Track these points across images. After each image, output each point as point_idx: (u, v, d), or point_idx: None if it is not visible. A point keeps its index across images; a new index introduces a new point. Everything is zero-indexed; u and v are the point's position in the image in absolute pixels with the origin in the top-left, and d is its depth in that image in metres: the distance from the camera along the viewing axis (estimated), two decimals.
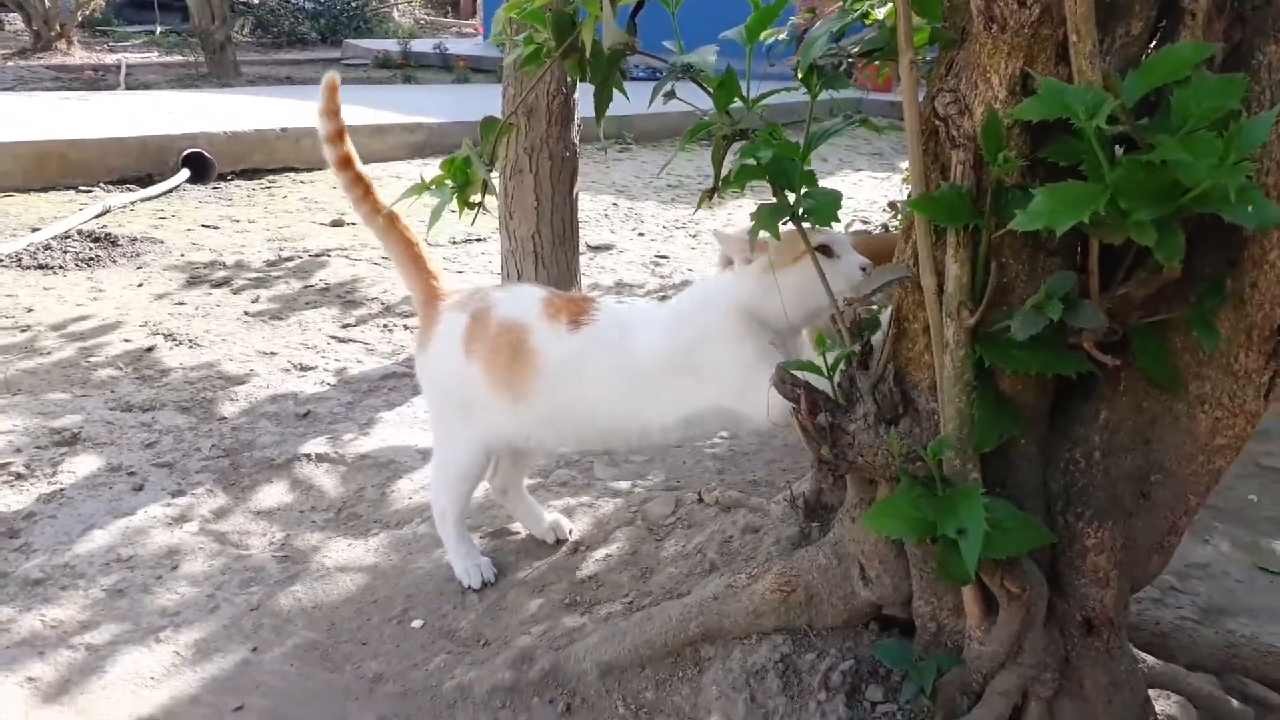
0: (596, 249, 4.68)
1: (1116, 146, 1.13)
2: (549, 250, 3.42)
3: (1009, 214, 1.19)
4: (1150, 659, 1.60)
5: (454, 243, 4.69)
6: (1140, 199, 1.07)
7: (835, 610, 1.57)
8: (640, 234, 5.04)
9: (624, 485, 2.40)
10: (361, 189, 1.99)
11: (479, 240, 4.72)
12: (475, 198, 1.88)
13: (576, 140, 3.44)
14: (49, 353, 3.15)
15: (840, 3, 1.74)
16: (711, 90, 1.58)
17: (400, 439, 2.64)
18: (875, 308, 1.62)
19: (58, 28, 12.26)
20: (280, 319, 3.56)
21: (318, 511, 2.29)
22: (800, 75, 1.50)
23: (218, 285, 3.91)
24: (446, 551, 2.01)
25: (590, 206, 5.40)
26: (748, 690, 1.53)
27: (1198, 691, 1.58)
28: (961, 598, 1.41)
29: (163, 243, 4.43)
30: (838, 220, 1.50)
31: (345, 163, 1.98)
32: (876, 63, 2.06)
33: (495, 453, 1.97)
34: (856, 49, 1.58)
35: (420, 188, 1.85)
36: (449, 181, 1.85)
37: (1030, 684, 1.39)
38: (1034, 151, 1.25)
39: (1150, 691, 1.48)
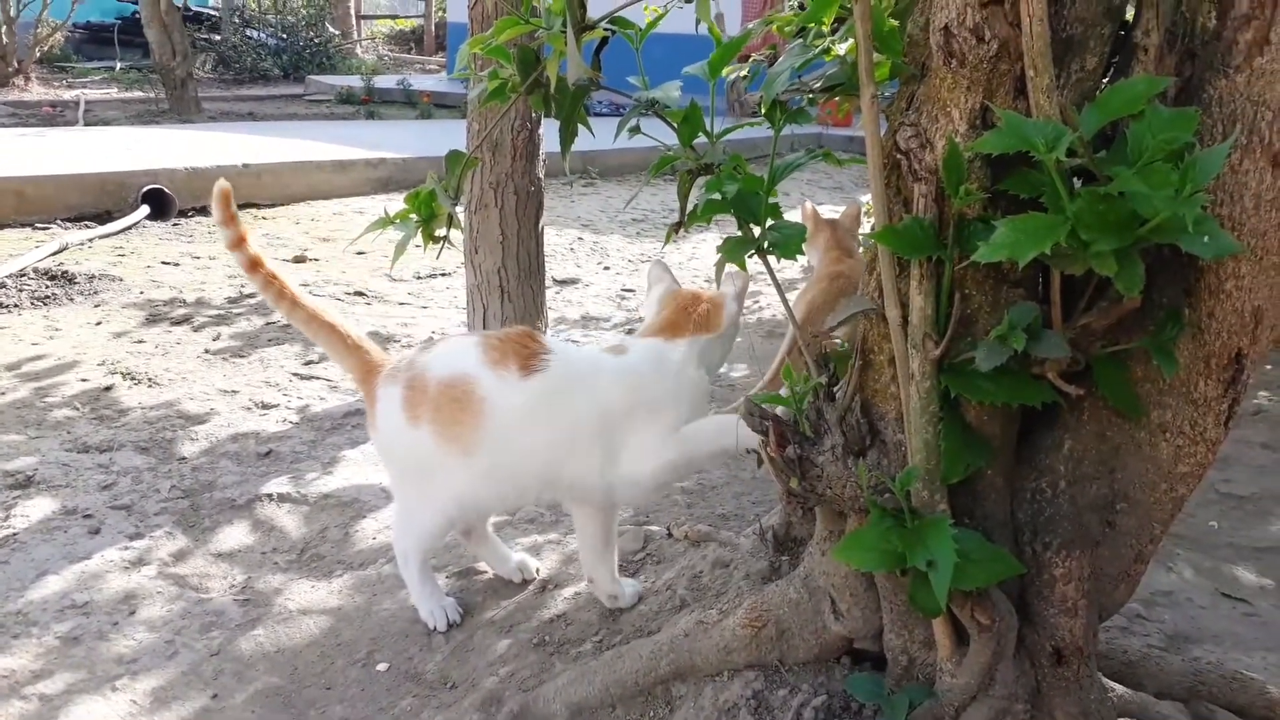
0: (563, 283, 4.68)
1: (1075, 179, 1.15)
2: (515, 284, 3.41)
3: (971, 246, 1.20)
4: (1119, 687, 1.60)
5: (419, 278, 4.67)
6: (1100, 230, 1.09)
7: (807, 645, 1.55)
8: (606, 268, 5.05)
9: None
10: (275, 288, 1.97)
11: (444, 275, 4.71)
12: (440, 231, 1.87)
13: (541, 175, 3.44)
14: (2, 393, 3.08)
15: (799, 39, 1.76)
16: (676, 125, 1.59)
17: (364, 477, 2.61)
18: (840, 341, 1.63)
19: (15, 64, 12.15)
20: (241, 356, 3.51)
21: (280, 553, 2.25)
22: (764, 110, 1.51)
23: (178, 323, 3.85)
24: (410, 594, 1.97)
25: (556, 240, 5.41)
26: None
27: (1166, 719, 1.58)
28: (932, 630, 1.41)
29: (122, 280, 4.37)
30: (802, 253, 1.50)
31: (254, 265, 1.97)
32: (837, 98, 2.08)
33: (457, 517, 1.91)
34: (819, 84, 1.60)
35: (384, 221, 1.84)
36: (413, 216, 1.85)
37: (1002, 716, 1.38)
38: (994, 184, 1.26)
39: None
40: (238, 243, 1.95)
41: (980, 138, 1.20)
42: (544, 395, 1.75)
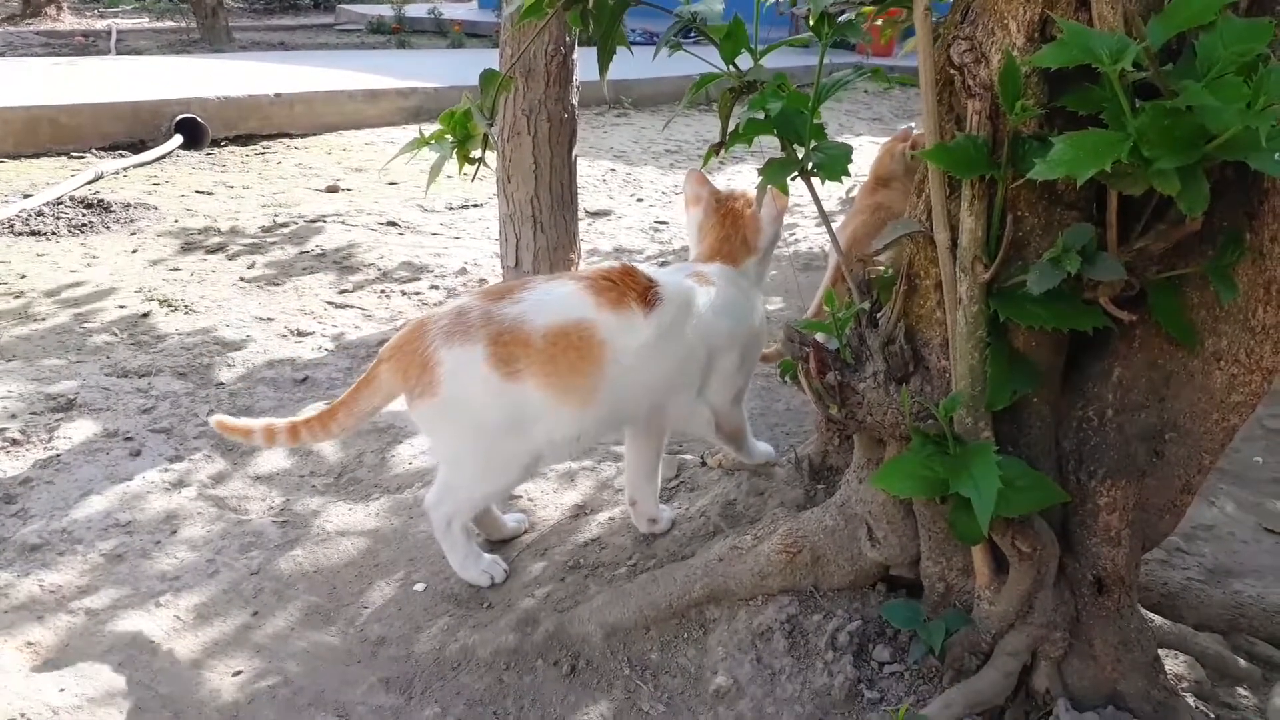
0: (595, 214, 4.63)
1: (1138, 96, 1.10)
2: (547, 214, 3.38)
3: (1027, 164, 1.16)
4: (1158, 619, 1.59)
5: (451, 208, 4.64)
6: (1164, 147, 1.04)
7: (842, 571, 1.55)
8: (639, 199, 4.99)
9: None
10: (323, 424, 1.81)
11: (475, 205, 4.67)
12: (475, 153, 1.85)
13: (575, 102, 3.39)
14: (43, 319, 3.11)
15: None
16: (717, 41, 1.54)
17: (400, 403, 2.61)
18: (885, 266, 1.60)
19: None
20: (276, 285, 3.53)
21: (317, 476, 2.27)
22: (811, 23, 1.45)
23: (213, 251, 3.86)
24: (451, 560, 1.85)
25: (589, 172, 5.35)
26: (754, 651, 1.51)
27: (1205, 651, 1.57)
28: (970, 557, 1.40)
29: (157, 209, 4.38)
30: (848, 175, 1.46)
31: (295, 433, 1.82)
32: (879, 22, 2.00)
33: (531, 473, 1.85)
34: None
35: (419, 142, 1.81)
36: (448, 137, 1.82)
37: (1040, 644, 1.38)
38: (1052, 100, 1.22)
39: (1159, 651, 1.47)
40: (270, 438, 1.82)
41: (1039, 51, 1.15)
42: (665, 331, 1.71)
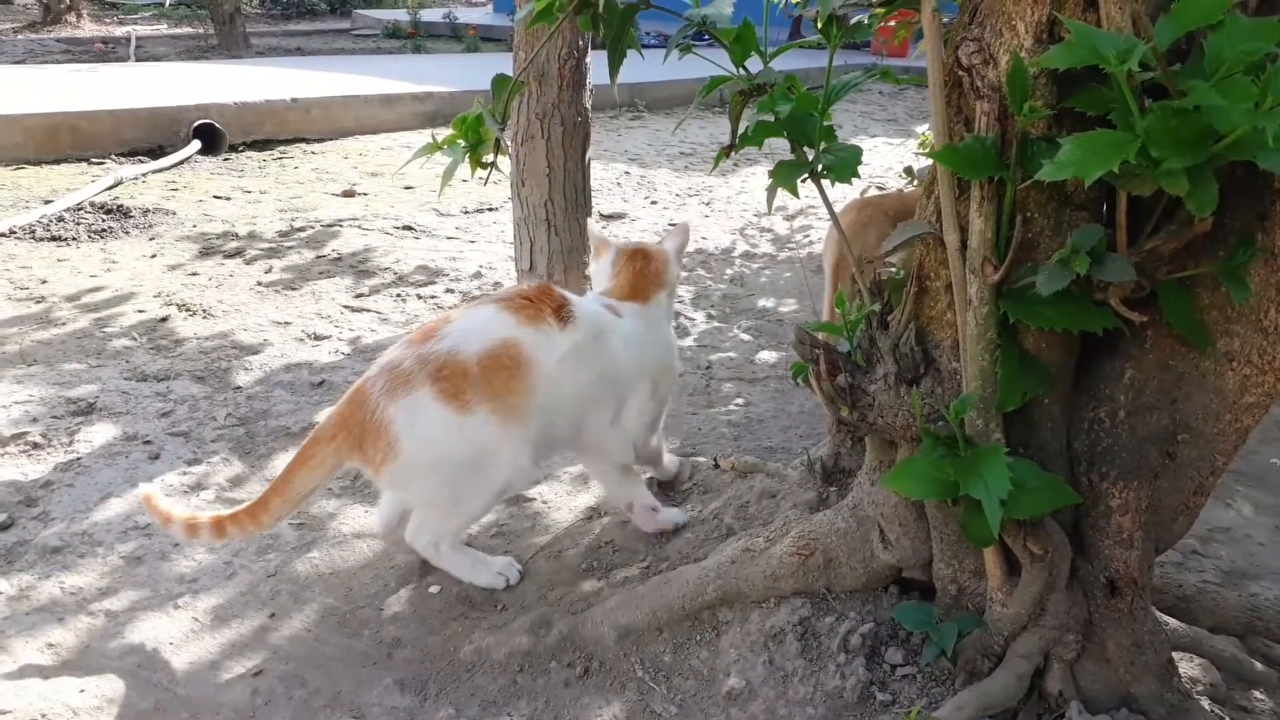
0: (609, 217, 4.64)
1: (1147, 96, 1.10)
2: (561, 217, 3.39)
3: (1035, 165, 1.16)
4: (1173, 622, 1.58)
5: (465, 212, 4.66)
6: (1172, 147, 1.04)
7: (854, 573, 1.55)
8: (653, 202, 5.00)
9: None
10: (251, 517, 1.73)
11: (490, 209, 4.69)
12: (488, 157, 1.86)
13: (589, 105, 3.40)
14: (64, 323, 3.15)
15: None
16: (727, 44, 1.55)
17: None
18: (896, 268, 1.60)
19: (67, 1, 12.22)
20: (293, 289, 3.55)
21: (333, 480, 2.28)
22: (819, 25, 1.46)
23: (230, 256, 3.90)
24: (458, 576, 1.86)
25: (603, 175, 5.36)
26: (766, 653, 1.52)
27: (1221, 654, 1.56)
28: (983, 560, 1.40)
29: (175, 214, 4.42)
30: (858, 176, 1.46)
31: (220, 528, 1.73)
32: (892, 24, 2.00)
33: (516, 488, 1.88)
34: None
35: (432, 147, 1.83)
36: (461, 141, 1.83)
37: (1052, 646, 1.38)
38: (1060, 101, 1.22)
39: (1174, 654, 1.47)
40: (191, 532, 1.74)
41: (1047, 52, 1.15)
42: (579, 347, 1.77)
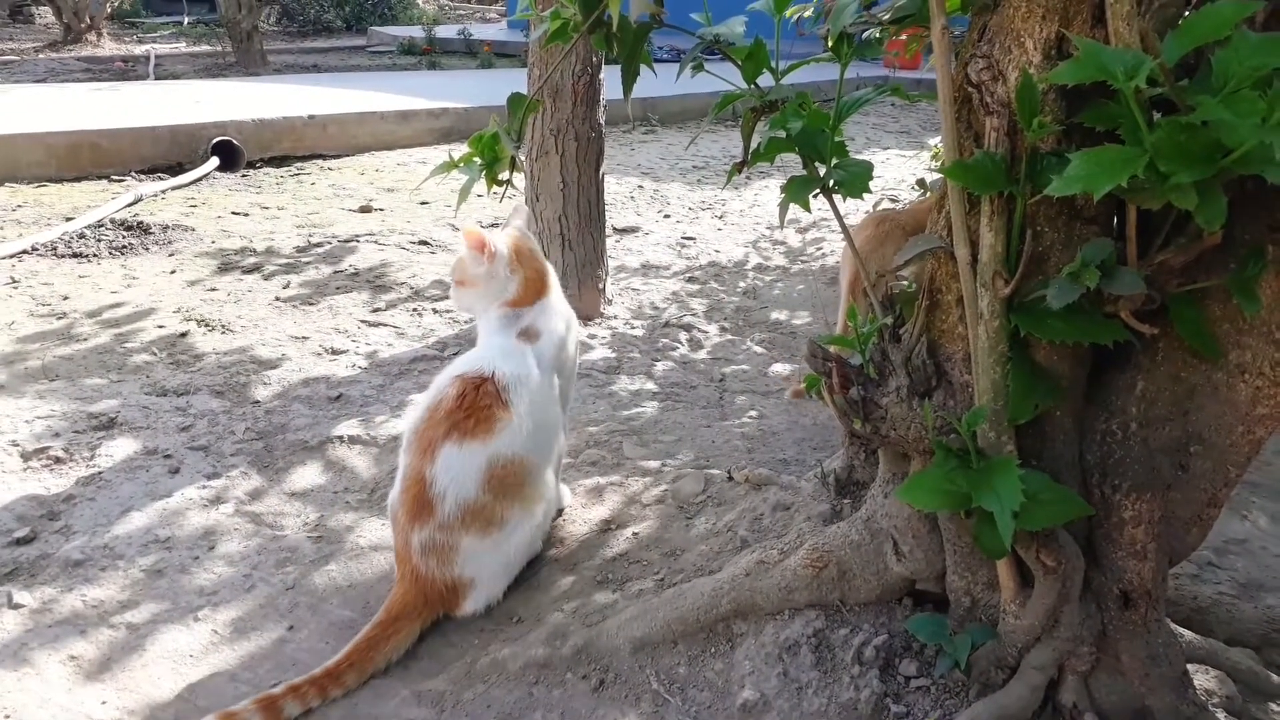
0: (623, 231, 4.67)
1: (1155, 112, 1.11)
2: (575, 232, 3.43)
3: (1044, 180, 1.17)
4: (1189, 634, 1.58)
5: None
6: (1181, 161, 1.05)
7: (868, 586, 1.56)
8: (666, 216, 5.03)
9: (653, 464, 2.40)
10: (327, 681, 1.65)
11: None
12: (503, 175, 1.88)
13: (602, 121, 3.43)
14: (85, 339, 3.19)
15: None
16: (739, 62, 1.56)
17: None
18: (907, 281, 1.61)
19: (87, 20, 12.39)
20: (311, 304, 3.59)
21: (351, 492, 2.31)
22: (830, 44, 1.48)
23: (249, 271, 3.94)
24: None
25: (616, 189, 5.39)
26: (781, 665, 1.52)
27: (1237, 666, 1.56)
28: (996, 571, 1.40)
29: (194, 230, 4.48)
30: (869, 191, 1.48)
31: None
32: (904, 38, 2.02)
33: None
34: (887, 16, 1.56)
35: (449, 165, 1.85)
36: (477, 159, 1.86)
37: (1066, 658, 1.38)
38: (1069, 117, 1.23)
39: (1189, 666, 1.46)
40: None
41: (1056, 68, 1.17)
42: (530, 409, 1.88)
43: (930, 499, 1.32)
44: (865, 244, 2.43)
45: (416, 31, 12.86)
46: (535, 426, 1.85)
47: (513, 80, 2.10)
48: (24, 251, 4.02)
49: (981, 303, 1.30)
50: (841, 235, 1.82)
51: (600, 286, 3.53)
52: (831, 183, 1.50)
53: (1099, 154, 1.09)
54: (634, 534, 2.05)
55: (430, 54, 11.61)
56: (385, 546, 2.07)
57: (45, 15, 14.93)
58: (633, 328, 3.45)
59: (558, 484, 2.04)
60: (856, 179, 1.49)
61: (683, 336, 3.35)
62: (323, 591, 1.93)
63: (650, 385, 2.94)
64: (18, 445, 2.47)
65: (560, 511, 2.13)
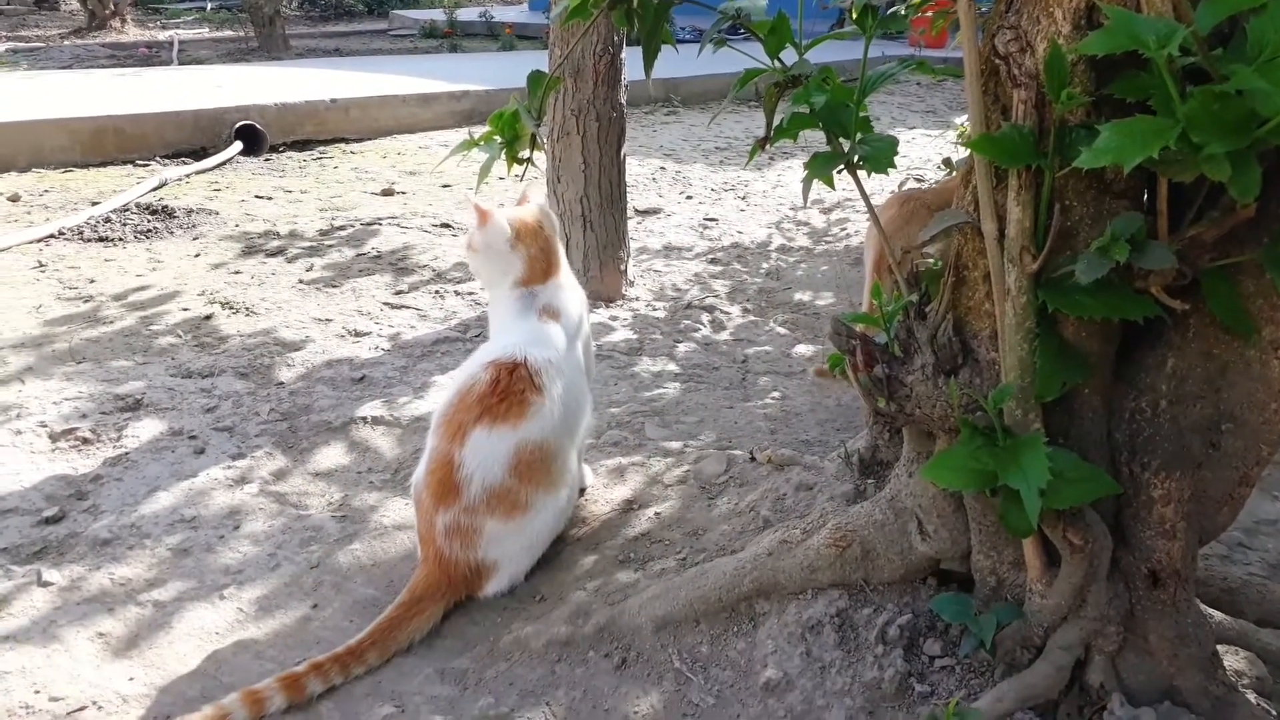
0: (644, 213, 4.65)
1: (1187, 81, 1.09)
2: (597, 214, 3.41)
3: (1073, 153, 1.15)
4: (1218, 614, 1.56)
5: (502, 208, 4.68)
6: (1214, 132, 1.03)
7: (892, 565, 1.55)
8: (688, 197, 5.00)
9: (675, 445, 2.39)
10: (348, 656, 1.66)
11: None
12: (524, 153, 1.87)
13: (624, 101, 3.41)
14: (111, 322, 3.22)
15: None
16: (762, 37, 1.54)
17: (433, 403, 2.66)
18: (933, 259, 1.59)
19: (111, 6, 12.45)
20: (334, 286, 3.60)
21: (375, 472, 2.32)
22: (854, 16, 1.45)
23: (272, 254, 3.96)
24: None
25: (638, 170, 5.37)
26: (804, 644, 1.52)
27: (1267, 647, 1.54)
28: (1022, 551, 1.39)
29: (218, 214, 4.50)
30: (894, 167, 1.46)
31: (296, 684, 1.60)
32: (930, 14, 1.99)
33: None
34: None
35: (469, 144, 1.85)
36: (497, 137, 1.85)
37: (1093, 638, 1.36)
38: (1099, 88, 1.20)
39: (1218, 647, 1.44)
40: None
41: (1086, 38, 1.14)
42: (563, 391, 1.91)
43: (956, 478, 1.31)
44: (890, 222, 2.40)
45: (438, 14, 12.84)
46: (564, 410, 1.85)
47: (534, 62, 2.09)
48: (50, 236, 4.05)
49: (1009, 279, 1.28)
50: (866, 214, 1.81)
51: (622, 268, 3.52)
52: (856, 158, 1.48)
53: (1130, 125, 1.07)
54: (656, 514, 2.05)
55: (451, 37, 11.59)
56: (408, 526, 2.08)
57: (70, 2, 15.03)
58: (654, 309, 3.44)
59: (580, 465, 2.04)
60: (882, 154, 1.47)
61: (705, 318, 3.34)
62: (347, 570, 1.94)
63: (672, 366, 2.94)
64: (46, 426, 2.50)
65: (582, 491, 2.13)
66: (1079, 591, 1.33)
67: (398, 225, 4.38)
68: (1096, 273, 1.19)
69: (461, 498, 1.76)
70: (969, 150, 1.34)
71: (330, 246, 4.08)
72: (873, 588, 1.55)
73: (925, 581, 1.56)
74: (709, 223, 4.52)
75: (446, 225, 4.41)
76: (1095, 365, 1.35)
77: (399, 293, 3.56)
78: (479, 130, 1.87)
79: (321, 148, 5.94)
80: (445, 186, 5.09)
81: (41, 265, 3.73)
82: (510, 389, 1.82)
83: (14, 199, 4.61)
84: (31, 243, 3.96)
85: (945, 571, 1.56)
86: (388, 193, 4.97)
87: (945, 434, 1.44)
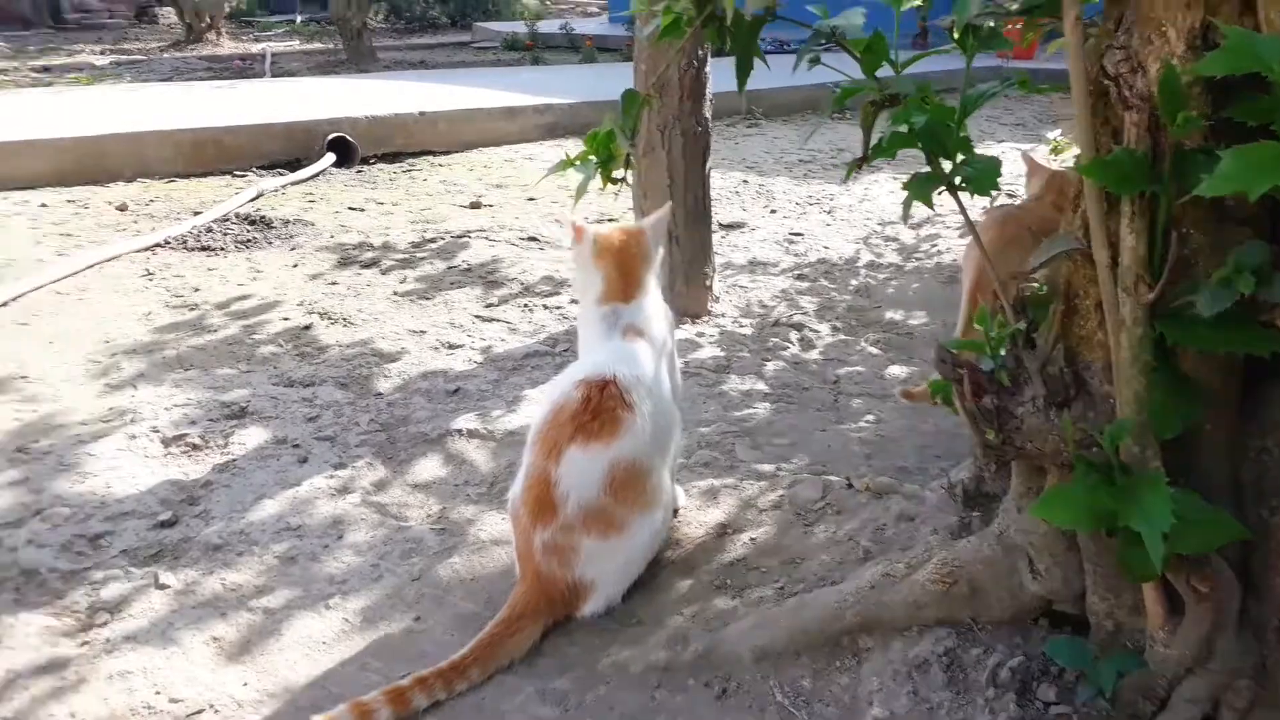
0: (728, 227, 4.65)
1: None
2: (682, 229, 3.42)
3: (1192, 179, 1.11)
4: None
5: (587, 223, 4.73)
6: None
7: (1001, 604, 1.52)
8: (772, 211, 4.98)
9: (768, 468, 2.38)
10: (449, 675, 1.68)
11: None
12: (618, 173, 1.90)
13: (709, 115, 3.41)
14: (216, 330, 3.34)
15: None
16: (858, 55, 1.53)
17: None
18: (1041, 284, 1.56)
19: (207, 19, 12.92)
20: (427, 299, 3.68)
21: (471, 485, 2.37)
22: (955, 35, 1.44)
23: (367, 266, 4.06)
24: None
25: (720, 184, 5.37)
26: (910, 683, 1.50)
27: None
28: (1141, 595, 1.35)
29: (313, 225, 4.63)
30: (998, 190, 1.43)
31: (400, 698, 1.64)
32: (1018, 26, 1.95)
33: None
34: (1015, 5, 1.51)
35: (565, 164, 1.87)
36: (592, 157, 1.87)
37: (1222, 692, 1.31)
38: (1216, 111, 1.17)
39: None
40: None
41: (1202, 59, 1.11)
42: (652, 412, 1.91)
43: (1070, 516, 1.28)
44: (991, 245, 2.35)
45: (519, 26, 13.03)
46: (655, 428, 1.87)
47: (615, 75, 2.12)
48: (157, 245, 4.22)
49: (1123, 309, 1.25)
50: (957, 230, 1.78)
51: (707, 284, 3.52)
52: (958, 180, 1.46)
53: (1253, 151, 1.03)
54: (751, 539, 2.05)
55: (533, 49, 11.74)
56: (505, 541, 2.11)
57: (168, 15, 15.62)
58: (741, 326, 3.43)
59: (673, 486, 2.05)
60: (985, 176, 1.45)
61: (793, 336, 3.32)
62: (447, 584, 1.98)
63: (761, 386, 2.93)
64: (158, 431, 2.60)
65: (675, 512, 2.14)
66: (1205, 642, 1.28)
67: (486, 238, 4.45)
68: (1220, 305, 1.16)
69: (558, 515, 1.79)
70: (1074, 170, 1.31)
71: (422, 259, 4.17)
72: (981, 627, 1.53)
73: (1037, 622, 1.53)
74: (794, 238, 4.50)
75: (533, 239, 4.47)
76: (1217, 401, 1.31)
77: (489, 305, 3.62)
78: (564, 144, 1.92)
79: (410, 160, 6.07)
80: (531, 200, 5.16)
81: (149, 273, 3.89)
82: (602, 407, 1.83)
83: (122, 208, 4.81)
84: (139, 251, 4.13)
85: (1058, 612, 1.52)
86: (475, 205, 5.06)
87: (1057, 469, 1.41)
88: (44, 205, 4.80)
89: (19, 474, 2.39)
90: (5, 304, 3.48)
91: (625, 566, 1.86)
